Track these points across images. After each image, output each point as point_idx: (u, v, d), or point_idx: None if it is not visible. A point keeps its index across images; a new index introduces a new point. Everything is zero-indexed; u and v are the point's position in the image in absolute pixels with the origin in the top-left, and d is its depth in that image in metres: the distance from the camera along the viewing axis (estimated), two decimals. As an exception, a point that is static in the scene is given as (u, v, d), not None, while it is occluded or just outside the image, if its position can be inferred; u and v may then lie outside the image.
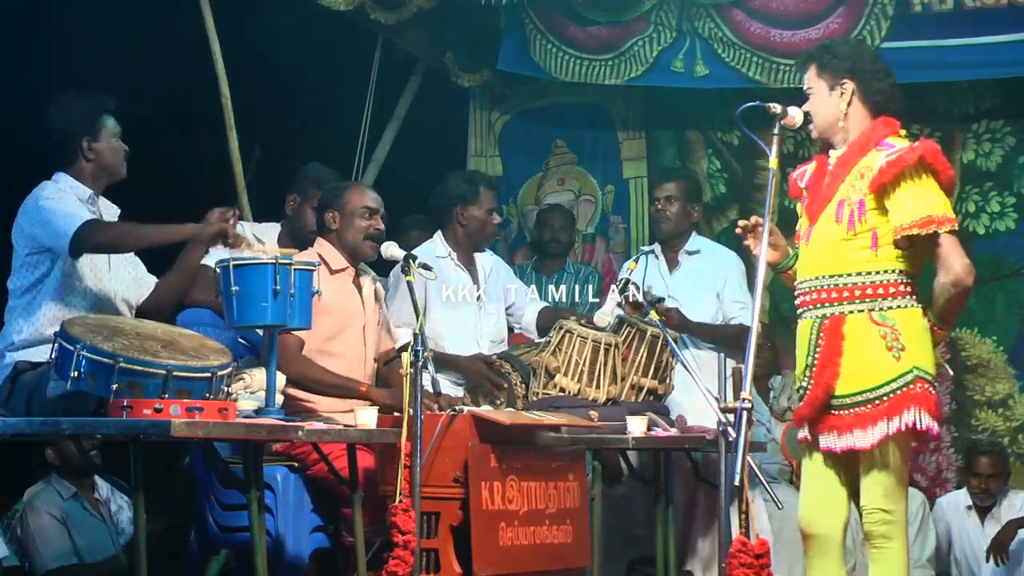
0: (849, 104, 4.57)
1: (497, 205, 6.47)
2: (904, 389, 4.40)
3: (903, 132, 4.60)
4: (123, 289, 5.00)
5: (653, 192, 6.76)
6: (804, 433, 4.60)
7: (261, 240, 5.91)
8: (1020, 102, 7.65)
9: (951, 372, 6.87)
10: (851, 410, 4.44)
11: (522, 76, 8.20)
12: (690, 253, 6.57)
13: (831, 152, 4.64)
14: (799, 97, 4.70)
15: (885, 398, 4.40)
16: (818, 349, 4.51)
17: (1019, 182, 7.73)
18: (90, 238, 4.72)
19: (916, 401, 4.39)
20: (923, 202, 4.42)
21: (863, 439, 4.42)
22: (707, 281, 6.47)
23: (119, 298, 4.97)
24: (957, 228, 4.46)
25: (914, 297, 4.50)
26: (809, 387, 4.53)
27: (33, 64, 6.62)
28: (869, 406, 4.42)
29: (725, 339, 6.34)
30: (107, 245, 4.81)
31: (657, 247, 6.66)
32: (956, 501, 7.25)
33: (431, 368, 4.84)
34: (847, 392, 4.46)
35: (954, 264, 4.42)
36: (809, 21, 7.46)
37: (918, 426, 4.39)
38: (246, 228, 6.02)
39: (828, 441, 4.51)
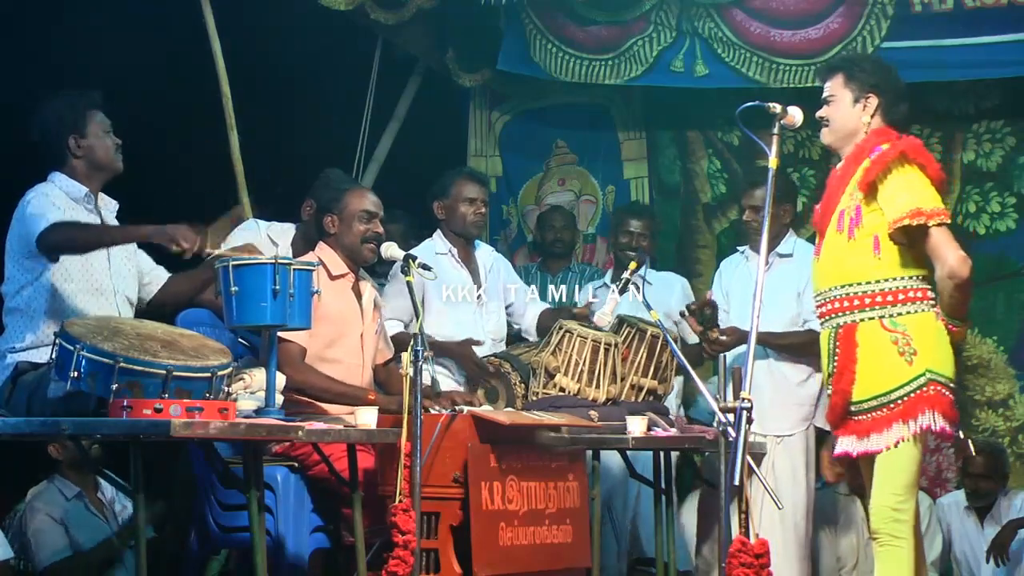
0: (872, 117, 4.62)
1: (483, 195, 6.35)
2: (918, 392, 4.46)
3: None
4: (123, 287, 5.00)
5: (741, 199, 6.45)
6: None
7: (275, 242, 5.88)
8: (1020, 102, 7.64)
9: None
10: (868, 415, 4.52)
11: (522, 76, 8.19)
12: (782, 256, 6.27)
13: (837, 167, 4.70)
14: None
15: (900, 401, 4.47)
16: (836, 358, 4.56)
17: (1019, 182, 7.73)
18: (55, 238, 4.71)
19: (930, 403, 4.45)
20: (911, 194, 4.48)
21: (879, 442, 4.47)
22: (792, 283, 6.16)
23: (120, 296, 4.98)
24: (948, 221, 4.50)
25: (926, 302, 4.54)
26: (830, 395, 4.63)
27: (33, 64, 6.62)
28: (885, 410, 4.49)
29: (789, 347, 6.11)
30: (71, 243, 4.77)
31: (748, 248, 6.45)
32: (956, 501, 7.24)
33: (431, 368, 4.83)
34: (863, 397, 4.53)
35: (948, 257, 4.45)
36: (809, 21, 7.45)
37: (933, 428, 4.43)
38: (261, 228, 6.00)
39: (845, 445, 4.59)
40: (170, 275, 5.15)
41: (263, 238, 5.89)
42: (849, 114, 4.66)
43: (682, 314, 6.15)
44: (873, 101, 4.65)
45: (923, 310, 4.53)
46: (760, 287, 4.30)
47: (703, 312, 6.09)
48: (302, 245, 5.88)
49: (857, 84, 4.66)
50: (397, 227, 6.72)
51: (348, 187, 5.64)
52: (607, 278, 7.08)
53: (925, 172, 4.53)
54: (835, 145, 4.70)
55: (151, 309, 5.08)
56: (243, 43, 7.07)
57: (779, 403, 6.12)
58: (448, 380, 5.95)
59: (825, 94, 4.71)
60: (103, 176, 5.00)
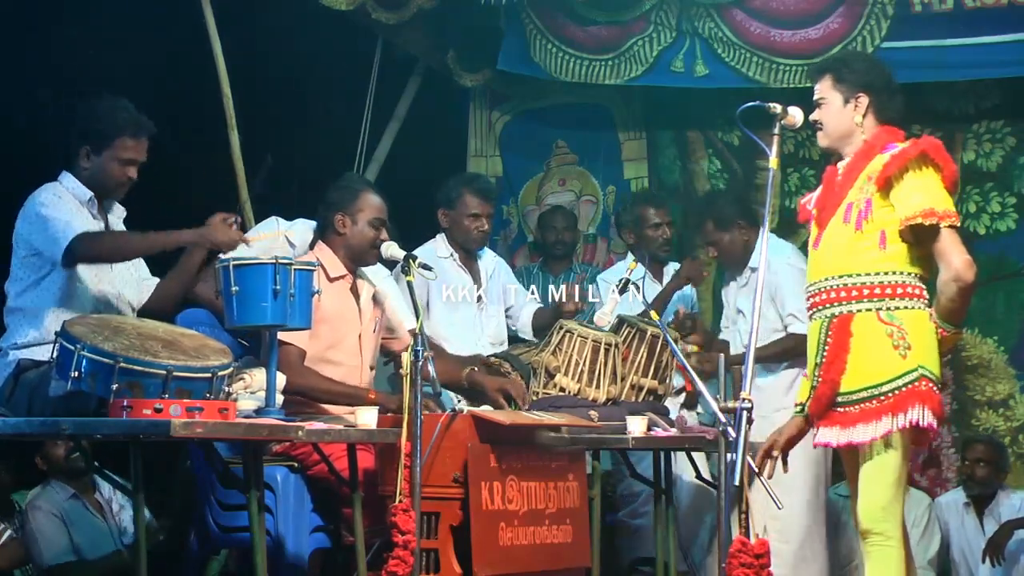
0: (864, 117, 4.61)
1: (488, 210, 6.39)
2: (910, 386, 4.43)
3: (907, 141, 4.63)
4: (125, 290, 5.00)
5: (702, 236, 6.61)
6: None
7: (292, 243, 5.84)
8: (1020, 102, 7.64)
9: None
10: (857, 406, 4.48)
11: (523, 76, 8.20)
12: (754, 270, 6.39)
13: (839, 164, 4.68)
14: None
15: (890, 394, 4.43)
16: (826, 348, 4.54)
17: (1019, 182, 7.73)
18: (84, 250, 4.72)
19: (921, 399, 4.42)
20: (926, 194, 4.47)
21: (865, 434, 4.44)
22: (765, 293, 6.09)
23: (121, 299, 4.98)
24: (958, 224, 4.49)
25: (922, 300, 4.53)
26: (817, 385, 4.57)
27: (33, 64, 6.62)
28: (874, 402, 4.45)
29: (774, 356, 6.23)
30: (101, 256, 4.80)
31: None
32: (955, 500, 7.25)
33: (432, 369, 4.83)
34: (853, 388, 4.49)
35: (954, 260, 4.44)
36: (809, 21, 7.45)
37: (921, 423, 4.41)
38: (281, 227, 5.96)
39: (827, 436, 4.55)
40: (159, 281, 5.14)
41: (280, 240, 5.84)
42: (841, 115, 4.65)
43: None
44: (864, 100, 4.63)
45: (919, 307, 4.52)
46: (760, 290, 4.29)
47: (684, 322, 6.17)
48: None
49: (846, 85, 4.64)
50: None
51: (361, 187, 5.56)
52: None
53: (941, 174, 4.52)
54: (832, 147, 4.69)
55: (146, 315, 5.06)
56: (243, 43, 7.07)
57: (770, 411, 6.21)
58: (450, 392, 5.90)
59: (815, 96, 4.69)
60: (101, 194, 4.98)
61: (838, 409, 4.52)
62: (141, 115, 4.94)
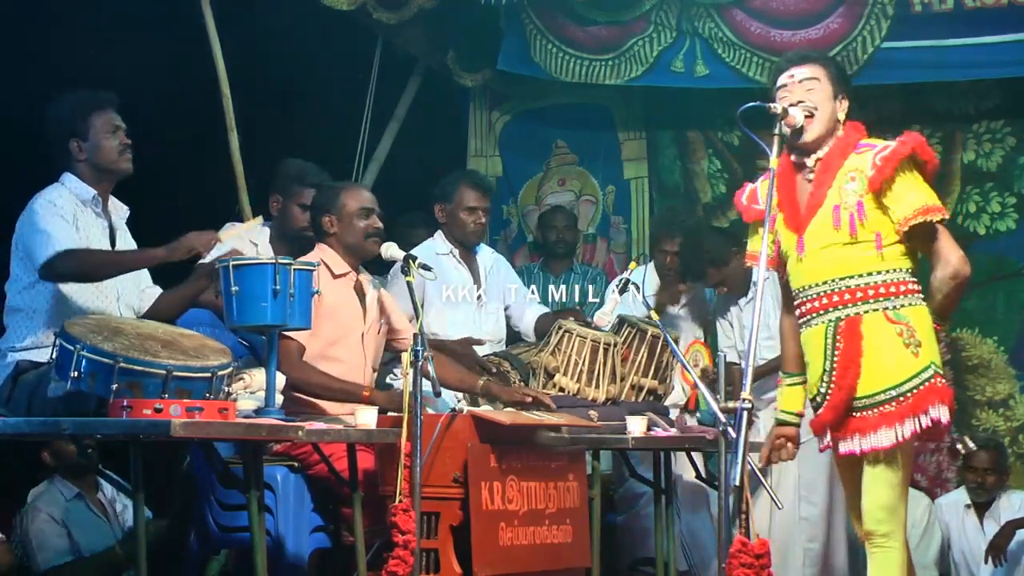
0: (844, 116, 4.59)
1: (485, 204, 6.41)
2: (927, 384, 4.39)
3: (874, 137, 4.61)
4: (124, 292, 5.00)
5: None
6: (827, 440, 4.57)
7: (255, 243, 5.87)
8: (1020, 102, 7.64)
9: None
10: (875, 410, 4.40)
11: (523, 76, 8.20)
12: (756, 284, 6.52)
13: (805, 160, 4.60)
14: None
15: (909, 394, 4.38)
16: (836, 352, 4.48)
17: (1019, 182, 7.73)
18: (59, 268, 4.73)
19: (939, 396, 4.39)
20: (920, 193, 4.47)
21: (888, 438, 4.39)
22: (768, 308, 6.34)
23: (121, 301, 4.98)
24: (948, 217, 4.50)
25: (919, 296, 4.51)
26: (829, 392, 4.49)
27: (33, 64, 6.62)
28: (894, 404, 4.38)
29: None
30: (75, 276, 4.79)
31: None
32: (956, 501, 7.25)
33: (432, 369, 4.83)
34: (870, 392, 4.41)
35: (951, 256, 4.44)
36: (809, 21, 7.45)
37: (941, 421, 4.39)
38: (240, 229, 5.99)
39: (850, 445, 4.47)
40: (162, 291, 5.15)
41: (246, 243, 5.86)
42: (832, 108, 4.58)
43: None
44: (846, 103, 4.61)
45: (918, 303, 4.50)
46: (760, 290, 4.28)
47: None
48: (278, 243, 5.88)
49: (836, 82, 4.60)
50: (423, 231, 6.70)
51: (342, 186, 5.59)
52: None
53: (924, 170, 4.52)
54: (816, 143, 4.57)
55: None
56: (243, 43, 7.07)
57: None
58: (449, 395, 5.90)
59: (804, 76, 4.56)
60: (110, 178, 4.99)
61: (855, 415, 4.46)
62: (95, 92, 5.02)
